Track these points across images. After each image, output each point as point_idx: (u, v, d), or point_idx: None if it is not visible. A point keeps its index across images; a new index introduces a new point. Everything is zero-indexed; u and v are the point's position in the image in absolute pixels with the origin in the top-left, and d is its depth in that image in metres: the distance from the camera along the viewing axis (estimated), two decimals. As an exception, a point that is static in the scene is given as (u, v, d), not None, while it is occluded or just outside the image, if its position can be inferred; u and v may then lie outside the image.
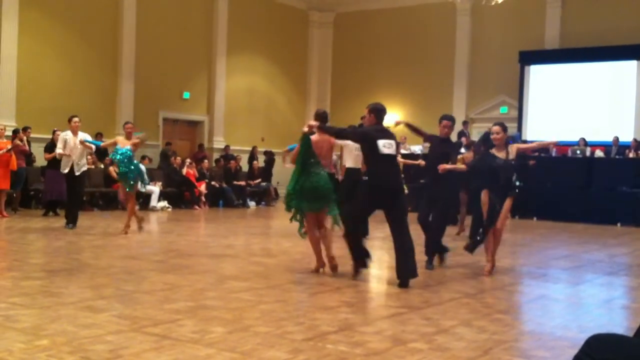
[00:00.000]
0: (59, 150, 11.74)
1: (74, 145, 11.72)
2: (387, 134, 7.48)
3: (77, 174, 11.80)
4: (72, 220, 11.86)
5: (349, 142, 10.42)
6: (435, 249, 8.80)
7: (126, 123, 11.90)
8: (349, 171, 11.10)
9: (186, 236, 11.74)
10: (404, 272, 7.24)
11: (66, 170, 11.77)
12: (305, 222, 7.93)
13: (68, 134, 11.81)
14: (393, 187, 7.41)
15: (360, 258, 7.72)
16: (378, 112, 7.58)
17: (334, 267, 7.90)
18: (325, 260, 7.94)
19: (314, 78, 25.46)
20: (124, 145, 11.19)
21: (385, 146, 7.33)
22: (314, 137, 7.80)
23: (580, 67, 20.69)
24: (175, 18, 20.38)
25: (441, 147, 8.82)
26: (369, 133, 7.51)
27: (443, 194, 8.71)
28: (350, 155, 11.01)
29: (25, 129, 15.38)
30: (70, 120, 11.96)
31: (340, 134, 8.01)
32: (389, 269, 8.98)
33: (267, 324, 5.28)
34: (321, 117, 8.04)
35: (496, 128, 8.24)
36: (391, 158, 7.44)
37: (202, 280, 7.25)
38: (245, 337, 4.88)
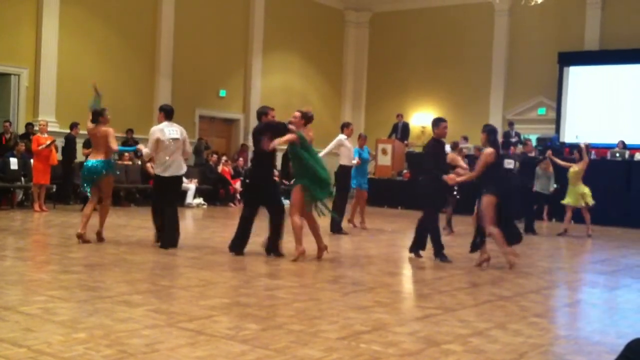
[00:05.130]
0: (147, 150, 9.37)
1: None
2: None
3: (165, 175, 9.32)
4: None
5: (345, 143, 12.05)
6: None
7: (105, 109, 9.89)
8: (343, 168, 12.31)
9: (221, 233, 11.81)
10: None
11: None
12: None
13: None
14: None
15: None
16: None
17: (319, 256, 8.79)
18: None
19: (350, 77, 25.45)
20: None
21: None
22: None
23: (620, 69, 20.36)
24: (213, 16, 20.53)
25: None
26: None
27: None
28: (347, 153, 12.24)
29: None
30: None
31: None
32: (421, 269, 8.95)
33: (301, 322, 5.30)
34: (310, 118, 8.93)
35: None
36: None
37: (237, 278, 7.30)
38: (279, 334, 4.90)
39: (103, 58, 18.01)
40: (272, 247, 8.84)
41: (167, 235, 9.12)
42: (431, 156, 9.25)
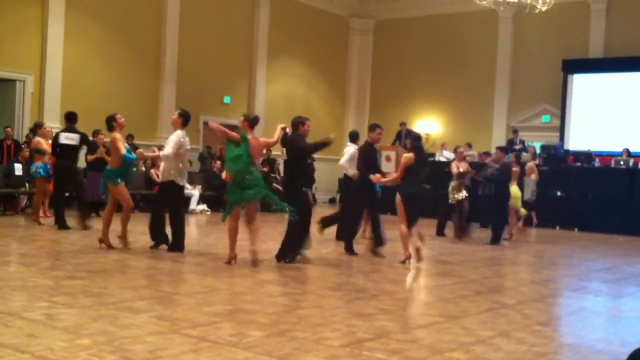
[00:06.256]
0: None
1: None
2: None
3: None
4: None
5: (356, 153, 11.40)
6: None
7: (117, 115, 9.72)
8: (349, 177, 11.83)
9: (224, 239, 11.74)
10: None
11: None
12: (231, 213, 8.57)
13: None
14: None
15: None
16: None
17: (255, 262, 8.44)
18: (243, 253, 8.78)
19: (354, 84, 25.48)
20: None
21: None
22: (250, 139, 8.45)
23: (625, 76, 20.34)
24: (217, 23, 20.60)
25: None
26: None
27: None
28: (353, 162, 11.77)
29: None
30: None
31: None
32: (424, 277, 8.94)
33: (304, 329, 5.29)
34: (252, 121, 8.76)
35: None
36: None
37: (240, 284, 7.29)
38: (282, 341, 4.89)
39: (108, 64, 18.06)
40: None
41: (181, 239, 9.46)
42: (363, 158, 10.21)
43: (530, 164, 16.55)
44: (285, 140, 9.11)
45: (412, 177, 9.26)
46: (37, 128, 13.48)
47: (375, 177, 9.72)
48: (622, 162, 17.69)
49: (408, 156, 9.31)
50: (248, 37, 21.77)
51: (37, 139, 12.93)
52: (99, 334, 4.81)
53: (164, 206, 9.57)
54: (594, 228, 16.56)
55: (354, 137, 11.96)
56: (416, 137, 9.72)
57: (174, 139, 9.16)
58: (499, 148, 13.86)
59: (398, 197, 9.24)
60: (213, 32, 20.45)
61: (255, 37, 21.84)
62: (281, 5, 22.35)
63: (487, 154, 15.49)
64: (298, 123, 9.13)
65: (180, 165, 9.23)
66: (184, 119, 9.27)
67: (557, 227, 17.08)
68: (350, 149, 11.50)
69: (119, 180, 9.38)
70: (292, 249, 9.08)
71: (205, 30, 20.23)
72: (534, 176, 16.12)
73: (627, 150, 18.17)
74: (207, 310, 5.76)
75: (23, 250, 9.44)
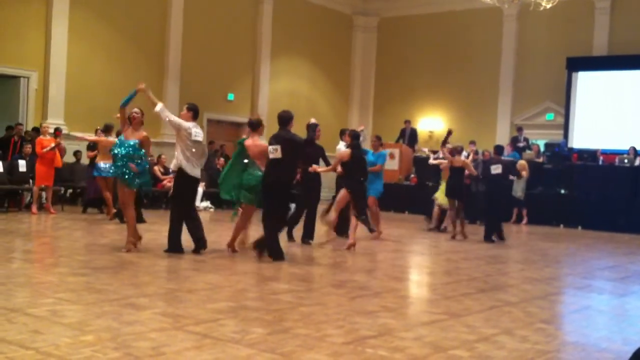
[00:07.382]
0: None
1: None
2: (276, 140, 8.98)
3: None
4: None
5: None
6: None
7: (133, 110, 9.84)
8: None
9: (228, 237, 11.75)
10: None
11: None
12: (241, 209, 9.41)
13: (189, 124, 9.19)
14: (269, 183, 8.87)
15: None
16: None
17: (235, 250, 9.34)
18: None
19: (357, 82, 25.45)
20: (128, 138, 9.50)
21: (271, 152, 8.91)
22: (247, 142, 9.16)
23: (629, 74, 20.28)
24: (221, 21, 20.59)
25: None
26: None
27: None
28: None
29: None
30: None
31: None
32: (427, 275, 8.95)
33: (307, 326, 5.30)
34: (254, 125, 9.37)
35: None
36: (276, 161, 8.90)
37: (243, 281, 7.31)
38: (285, 338, 4.90)
39: (111, 61, 18.07)
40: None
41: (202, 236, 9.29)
42: (310, 156, 10.75)
43: (522, 162, 16.49)
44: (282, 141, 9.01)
45: (352, 173, 10.04)
46: (108, 129, 13.50)
47: (312, 168, 10.41)
48: (626, 160, 17.64)
49: (344, 152, 10.03)
50: (252, 34, 21.76)
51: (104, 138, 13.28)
52: (103, 331, 4.83)
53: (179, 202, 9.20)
54: (598, 226, 16.53)
55: (342, 135, 12.55)
56: (354, 136, 10.26)
57: (183, 121, 9.11)
58: (495, 147, 13.84)
59: (343, 192, 10.12)
60: (217, 30, 20.44)
61: (258, 35, 21.83)
62: (285, 3, 22.33)
63: (476, 152, 15.41)
64: (289, 119, 9.22)
65: (189, 154, 8.97)
66: (194, 113, 9.18)
67: (561, 226, 17.07)
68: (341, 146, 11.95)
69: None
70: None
71: (209, 27, 20.22)
72: (524, 173, 16.07)
73: (634, 149, 18.10)
74: (210, 307, 5.77)
75: (27, 247, 9.46)
